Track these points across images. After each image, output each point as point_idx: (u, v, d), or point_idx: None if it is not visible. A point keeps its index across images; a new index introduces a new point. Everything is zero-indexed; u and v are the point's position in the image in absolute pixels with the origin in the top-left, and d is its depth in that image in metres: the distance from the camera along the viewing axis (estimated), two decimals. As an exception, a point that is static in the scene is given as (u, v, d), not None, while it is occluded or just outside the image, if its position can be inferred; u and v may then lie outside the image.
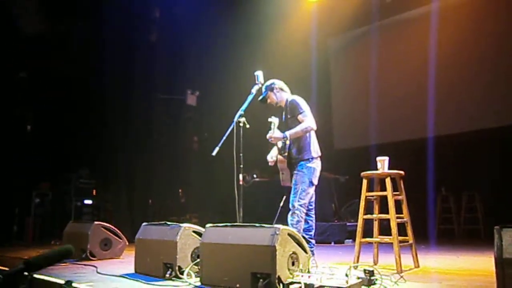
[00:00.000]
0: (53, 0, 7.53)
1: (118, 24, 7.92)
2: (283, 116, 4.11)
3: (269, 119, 3.88)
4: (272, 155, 4.16)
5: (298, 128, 3.90)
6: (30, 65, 7.82)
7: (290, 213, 3.84)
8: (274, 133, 3.85)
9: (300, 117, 3.92)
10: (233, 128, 3.72)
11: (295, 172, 3.96)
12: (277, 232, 2.79)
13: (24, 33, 7.43)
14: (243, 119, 3.79)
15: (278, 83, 4.14)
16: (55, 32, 7.77)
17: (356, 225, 4.04)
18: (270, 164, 4.15)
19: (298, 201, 3.83)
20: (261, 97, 4.11)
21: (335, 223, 7.08)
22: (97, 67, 8.00)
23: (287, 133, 3.90)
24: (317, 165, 4.00)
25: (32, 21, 7.37)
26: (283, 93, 4.12)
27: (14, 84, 7.82)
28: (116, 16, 7.84)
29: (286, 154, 3.97)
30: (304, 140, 3.98)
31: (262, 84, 4.05)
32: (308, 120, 3.92)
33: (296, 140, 3.98)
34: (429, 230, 6.99)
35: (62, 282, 3.09)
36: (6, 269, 3.88)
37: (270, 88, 4.10)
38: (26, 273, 1.37)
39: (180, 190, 9.12)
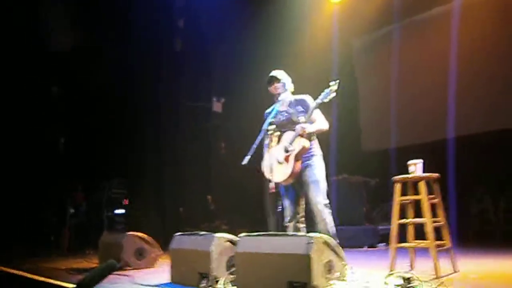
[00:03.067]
0: (81, 15, 7.72)
1: (145, 34, 8.07)
2: (283, 112, 3.89)
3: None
4: (281, 155, 3.77)
5: (319, 126, 3.78)
6: (61, 78, 8.05)
7: (322, 213, 3.62)
8: (306, 125, 3.65)
9: (314, 116, 3.78)
10: (263, 137, 3.71)
11: (308, 169, 3.73)
12: (312, 241, 2.77)
13: (55, 48, 7.66)
14: (272, 127, 3.77)
15: (291, 84, 4.00)
16: (84, 46, 7.98)
17: (388, 228, 3.97)
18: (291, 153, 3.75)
19: (326, 199, 3.69)
20: (272, 77, 3.92)
21: (367, 226, 6.98)
22: (126, 78, 8.17)
23: (311, 128, 3.73)
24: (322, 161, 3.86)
25: (62, 37, 7.59)
26: (288, 92, 3.96)
27: (47, 99, 8.07)
28: (143, 27, 7.98)
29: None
30: (312, 136, 3.85)
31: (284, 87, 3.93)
32: (325, 120, 3.82)
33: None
34: (459, 233, 6.80)
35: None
36: (48, 280, 4.00)
37: (286, 80, 3.96)
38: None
39: (209, 197, 9.19)
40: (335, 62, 8.27)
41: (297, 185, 3.79)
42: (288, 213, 3.83)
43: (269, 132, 3.71)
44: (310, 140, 3.79)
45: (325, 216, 3.63)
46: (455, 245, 3.94)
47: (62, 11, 7.49)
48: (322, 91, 3.65)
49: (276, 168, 3.67)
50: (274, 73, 3.98)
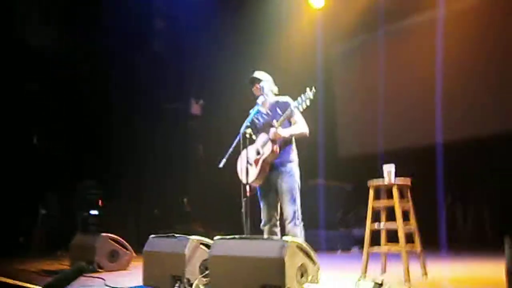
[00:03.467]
0: (59, 11, 7.59)
1: (124, 34, 7.97)
2: (263, 113, 3.89)
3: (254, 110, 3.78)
4: (252, 156, 3.78)
5: (295, 130, 3.73)
6: (38, 76, 7.88)
7: (292, 224, 3.62)
8: (278, 129, 3.61)
9: (295, 119, 3.74)
10: (239, 140, 3.71)
11: (281, 175, 3.70)
12: (286, 245, 2.79)
13: (32, 44, 7.51)
14: (249, 130, 3.77)
15: (273, 85, 3.98)
16: (61, 43, 7.84)
17: (362, 232, 4.03)
18: (254, 162, 3.77)
19: (299, 209, 3.66)
20: (254, 78, 3.90)
21: (341, 231, 7.07)
22: (103, 78, 8.07)
23: (287, 132, 3.69)
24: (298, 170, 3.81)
25: (39, 32, 7.44)
26: (270, 94, 3.93)
27: (22, 96, 7.89)
28: (121, 26, 7.89)
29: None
30: (290, 141, 3.83)
31: (262, 89, 3.88)
32: (305, 125, 3.78)
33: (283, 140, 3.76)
34: (438, 238, 6.96)
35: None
36: (16, 282, 3.90)
37: (268, 81, 3.93)
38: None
39: (185, 200, 9.13)
40: (317, 66, 8.35)
41: (273, 189, 3.80)
42: (264, 216, 3.83)
43: (247, 135, 3.71)
44: (287, 145, 3.79)
45: (296, 226, 3.62)
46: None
47: (42, 6, 7.35)
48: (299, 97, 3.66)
49: (248, 169, 3.69)
50: (256, 73, 3.97)
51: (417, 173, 4.76)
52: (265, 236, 3.77)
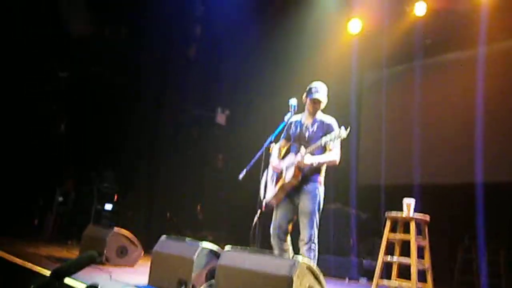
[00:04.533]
0: (100, 7, 7.80)
1: (158, 34, 8.14)
2: (303, 124, 3.82)
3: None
4: (278, 162, 3.77)
5: (325, 158, 3.64)
6: (70, 66, 8.10)
7: (307, 247, 3.56)
8: (305, 157, 3.53)
9: (332, 144, 3.63)
10: (262, 154, 3.70)
11: (304, 195, 3.63)
12: (296, 264, 2.76)
13: (69, 35, 7.72)
14: (273, 145, 3.78)
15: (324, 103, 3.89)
16: (98, 38, 8.05)
17: (372, 264, 3.96)
18: (275, 169, 3.77)
19: (315, 233, 3.58)
20: (320, 96, 3.79)
21: (352, 258, 6.94)
22: (134, 75, 8.23)
23: (315, 160, 3.61)
24: (323, 193, 3.73)
25: (77, 24, 7.65)
26: (319, 111, 3.87)
27: (54, 83, 8.10)
28: (159, 27, 8.06)
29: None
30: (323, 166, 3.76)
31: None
32: (338, 153, 3.69)
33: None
34: (452, 280, 6.75)
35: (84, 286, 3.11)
36: (27, 263, 3.96)
37: (320, 101, 3.82)
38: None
39: (198, 206, 9.15)
40: (350, 92, 8.30)
41: (290, 204, 3.75)
42: (276, 230, 3.78)
43: (270, 150, 3.71)
44: (318, 171, 3.69)
45: (310, 249, 3.55)
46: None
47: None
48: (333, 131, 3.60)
49: (268, 186, 3.67)
50: (321, 91, 3.83)
51: (437, 212, 4.66)
52: (275, 250, 3.72)
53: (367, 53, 8.02)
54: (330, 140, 3.51)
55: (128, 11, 7.88)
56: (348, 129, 3.49)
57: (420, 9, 7.23)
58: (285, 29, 7.73)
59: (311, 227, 3.57)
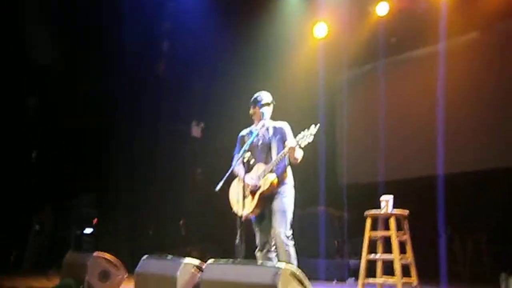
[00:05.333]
0: (64, 32, 7.69)
1: (128, 54, 8.08)
2: (260, 138, 3.84)
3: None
4: (249, 179, 3.70)
5: (299, 155, 3.65)
6: (39, 93, 7.94)
7: (284, 244, 3.55)
8: (297, 147, 3.57)
9: (289, 141, 3.68)
10: (235, 164, 3.69)
11: (274, 198, 3.67)
12: (279, 272, 2.74)
13: (35, 62, 7.59)
14: (248, 154, 3.75)
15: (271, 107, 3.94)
16: (63, 59, 7.91)
17: (358, 263, 3.98)
18: (248, 186, 3.70)
19: (290, 230, 3.61)
20: (257, 102, 3.86)
21: (338, 260, 6.96)
22: (105, 96, 8.12)
23: (298, 154, 3.62)
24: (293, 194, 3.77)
25: (43, 52, 7.53)
26: (269, 117, 3.91)
27: (22, 111, 7.93)
28: (126, 46, 8.00)
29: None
30: (287, 163, 3.79)
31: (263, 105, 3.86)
32: (301, 150, 3.72)
33: (280, 162, 3.73)
34: (438, 271, 6.85)
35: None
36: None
37: (269, 103, 3.88)
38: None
39: (181, 222, 9.04)
40: (320, 94, 8.40)
41: (267, 214, 3.75)
42: (258, 241, 3.78)
43: (244, 160, 3.69)
44: (285, 173, 3.74)
45: (288, 248, 3.55)
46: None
47: (43, 25, 7.44)
48: (302, 130, 3.61)
49: (243, 201, 3.65)
50: (262, 95, 3.91)
51: (417, 205, 4.73)
52: (259, 261, 3.70)
53: (334, 55, 8.15)
54: (304, 137, 3.53)
55: (88, 32, 7.76)
56: (318, 126, 3.55)
57: (382, 9, 7.40)
58: (252, 37, 7.81)
59: (286, 224, 3.59)
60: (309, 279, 2.94)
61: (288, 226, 3.62)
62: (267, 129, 3.86)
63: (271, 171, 3.67)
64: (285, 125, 3.88)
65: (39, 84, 7.82)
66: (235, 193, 3.78)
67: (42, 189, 7.55)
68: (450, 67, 7.20)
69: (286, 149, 3.62)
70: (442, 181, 6.82)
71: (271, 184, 3.64)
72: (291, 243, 3.59)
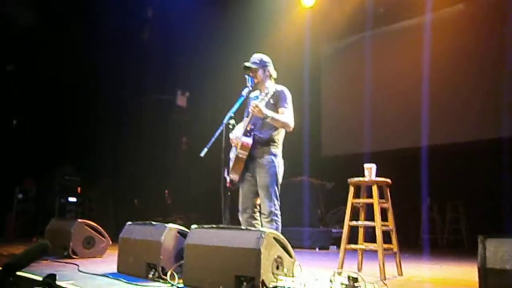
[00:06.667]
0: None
1: (110, 22, 7.87)
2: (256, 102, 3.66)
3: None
4: (237, 135, 3.64)
5: (280, 117, 3.55)
6: (19, 59, 7.72)
7: (268, 220, 3.53)
8: (261, 104, 3.44)
9: (282, 109, 3.60)
10: (222, 130, 3.66)
11: (258, 168, 3.59)
12: (263, 236, 2.77)
13: (16, 27, 7.35)
14: (232, 121, 3.70)
15: (272, 67, 3.80)
16: (47, 28, 7.68)
17: (341, 232, 4.05)
18: (233, 143, 3.68)
19: (275, 205, 3.55)
20: (248, 65, 3.71)
21: (321, 229, 7.09)
22: (88, 65, 7.94)
23: (270, 113, 3.52)
24: (282, 164, 3.68)
25: (25, 15, 7.28)
26: (269, 79, 3.78)
27: (1, 77, 7.73)
28: (108, 14, 7.78)
29: (251, 138, 3.57)
30: (276, 131, 3.67)
31: (256, 68, 3.71)
32: (291, 117, 3.64)
33: (267, 129, 3.64)
34: (418, 239, 7.05)
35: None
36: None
37: (264, 65, 3.73)
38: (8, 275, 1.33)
39: (166, 192, 9.07)
40: (305, 64, 8.35)
41: (249, 180, 3.72)
42: (241, 206, 3.77)
43: (230, 125, 3.65)
44: (269, 135, 3.66)
45: (271, 226, 3.52)
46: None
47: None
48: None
49: (231, 163, 3.66)
50: (248, 63, 3.73)
51: (399, 176, 4.81)
52: (243, 226, 3.73)
53: (321, 25, 8.07)
54: (267, 94, 3.49)
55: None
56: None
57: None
58: (238, 5, 7.65)
59: (270, 200, 3.54)
60: (293, 247, 2.99)
61: (274, 200, 3.57)
62: (265, 93, 3.63)
63: (248, 136, 3.60)
64: (283, 90, 3.73)
65: (20, 49, 7.58)
66: (232, 156, 3.77)
67: (25, 158, 7.45)
68: (436, 38, 7.21)
69: (250, 107, 3.54)
70: (425, 152, 6.92)
71: (243, 143, 3.58)
72: (276, 218, 3.56)
